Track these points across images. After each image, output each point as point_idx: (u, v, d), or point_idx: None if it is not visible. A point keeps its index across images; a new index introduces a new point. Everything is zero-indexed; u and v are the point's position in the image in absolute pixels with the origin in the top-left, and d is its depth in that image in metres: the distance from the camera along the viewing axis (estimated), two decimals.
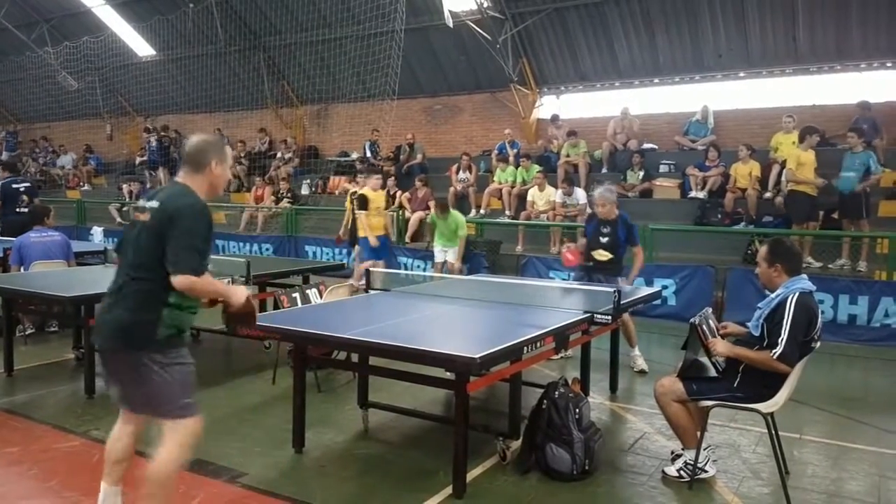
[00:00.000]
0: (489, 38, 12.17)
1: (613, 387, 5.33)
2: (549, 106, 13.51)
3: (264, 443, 4.13)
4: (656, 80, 12.37)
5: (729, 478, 3.77)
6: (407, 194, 12.18)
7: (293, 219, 12.18)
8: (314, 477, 3.72)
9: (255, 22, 15.35)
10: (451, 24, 12.02)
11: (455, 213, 9.12)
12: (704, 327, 3.61)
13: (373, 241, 8.48)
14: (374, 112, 15.26)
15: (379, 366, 3.94)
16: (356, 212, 8.66)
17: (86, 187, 18.37)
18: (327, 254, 11.51)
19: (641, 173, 10.92)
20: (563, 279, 8.02)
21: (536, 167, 11.31)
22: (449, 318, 4.32)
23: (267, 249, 12.16)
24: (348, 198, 9.42)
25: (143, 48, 17.24)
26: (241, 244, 12.59)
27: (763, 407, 3.47)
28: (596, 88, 12.95)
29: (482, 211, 11.70)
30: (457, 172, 12.25)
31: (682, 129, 11.83)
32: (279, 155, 15.63)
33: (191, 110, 17.79)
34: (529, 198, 10.64)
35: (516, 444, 3.92)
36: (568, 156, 11.65)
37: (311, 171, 15.26)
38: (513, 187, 11.45)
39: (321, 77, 15.47)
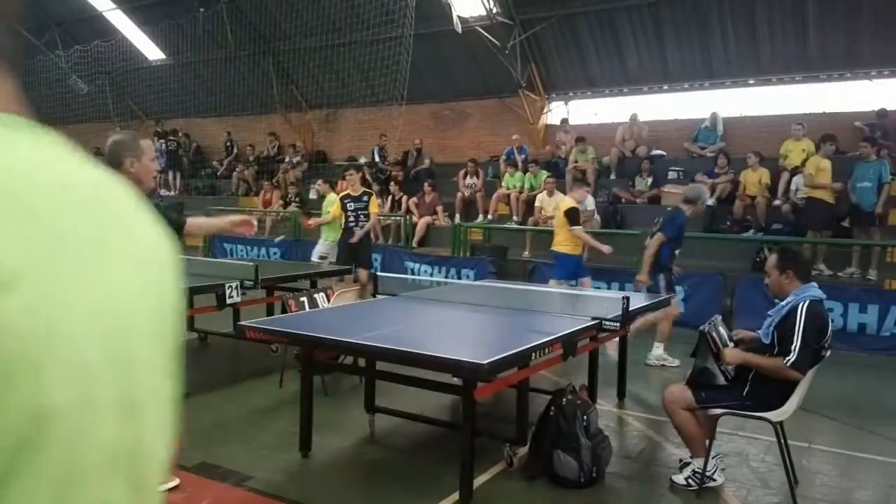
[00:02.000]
0: (498, 43, 12.19)
1: (621, 394, 5.30)
2: (558, 112, 13.52)
3: (271, 446, 4.13)
4: (665, 87, 12.35)
5: (737, 486, 3.75)
6: (414, 199, 12.20)
7: (298, 223, 12.20)
8: (320, 481, 3.73)
9: (265, 27, 15.45)
10: (459, 30, 12.05)
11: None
12: (714, 334, 3.61)
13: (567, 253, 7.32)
14: (382, 117, 15.30)
15: (386, 370, 3.95)
16: (571, 228, 7.26)
17: None
18: None
19: (650, 179, 10.90)
20: (572, 285, 7.99)
21: (545, 173, 11.31)
22: (456, 324, 4.29)
23: (275, 253, 12.20)
24: (337, 202, 8.55)
25: (153, 52, 17.37)
26: (249, 248, 12.64)
27: (773, 416, 3.46)
28: (605, 94, 12.95)
29: (490, 216, 11.70)
30: (464, 178, 12.26)
31: (691, 136, 11.80)
32: (286, 159, 15.68)
33: (201, 114, 17.92)
34: (537, 203, 10.62)
35: (523, 451, 3.91)
36: (576, 161, 11.64)
37: (319, 176, 15.29)
38: (520, 193, 11.45)
39: (330, 82, 15.55)
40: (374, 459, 4.05)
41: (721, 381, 3.66)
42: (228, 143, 17.25)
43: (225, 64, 16.49)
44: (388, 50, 13.78)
